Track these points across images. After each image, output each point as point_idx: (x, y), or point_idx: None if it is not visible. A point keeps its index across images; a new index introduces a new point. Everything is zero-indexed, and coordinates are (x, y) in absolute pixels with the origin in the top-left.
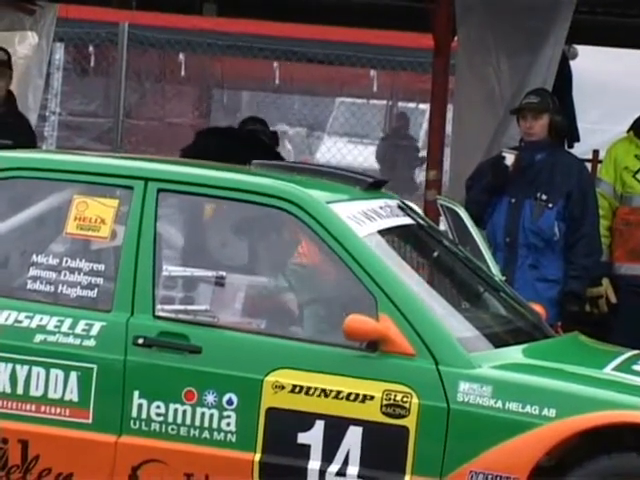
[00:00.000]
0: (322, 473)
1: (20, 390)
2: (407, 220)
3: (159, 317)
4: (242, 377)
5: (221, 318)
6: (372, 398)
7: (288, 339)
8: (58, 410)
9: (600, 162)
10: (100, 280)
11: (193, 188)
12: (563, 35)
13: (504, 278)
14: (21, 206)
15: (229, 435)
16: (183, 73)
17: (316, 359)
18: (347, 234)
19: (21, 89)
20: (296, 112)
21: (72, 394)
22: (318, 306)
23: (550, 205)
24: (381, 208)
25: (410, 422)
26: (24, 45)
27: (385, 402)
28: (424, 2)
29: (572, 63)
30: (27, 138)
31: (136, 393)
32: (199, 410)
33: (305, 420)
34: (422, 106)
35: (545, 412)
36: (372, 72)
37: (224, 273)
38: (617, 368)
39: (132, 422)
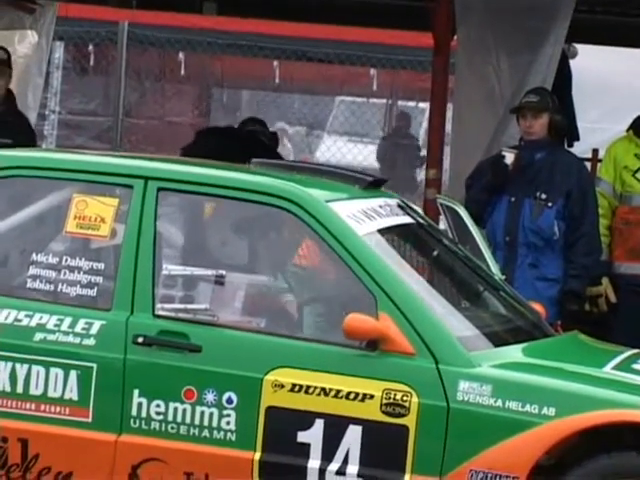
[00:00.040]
0: (322, 472)
1: (20, 389)
2: (407, 219)
3: (159, 316)
4: (242, 376)
5: (221, 317)
6: (372, 397)
7: (288, 338)
8: (58, 409)
9: (600, 161)
10: (100, 279)
11: (193, 187)
12: (563, 34)
13: (504, 277)
14: (21, 205)
15: (229, 434)
16: (183, 72)
17: (316, 358)
18: (347, 233)
19: (21, 88)
20: (296, 111)
21: (72, 393)
22: (318, 305)
23: (550, 204)
24: (381, 207)
25: (410, 421)
26: (24, 44)
27: (385, 401)
28: (424, 1)
29: (572, 62)
30: (27, 137)
31: (136, 392)
32: (199, 409)
33: (305, 419)
34: (422, 105)
35: (545, 411)
36: (372, 71)
37: (224, 272)
38: (617, 367)
39: (132, 421)
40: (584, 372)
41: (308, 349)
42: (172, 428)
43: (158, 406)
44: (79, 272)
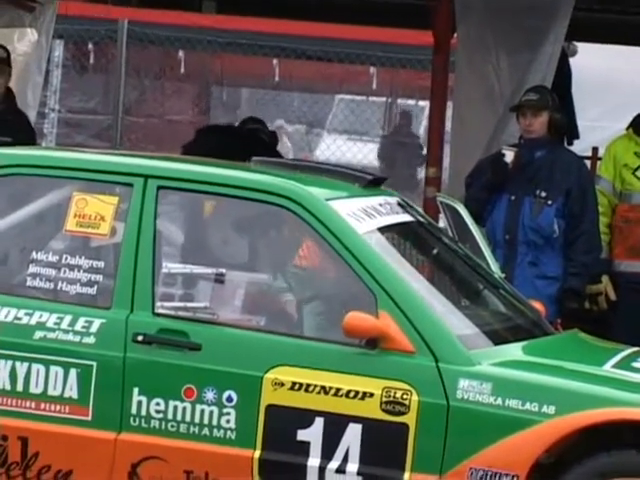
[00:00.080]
0: (322, 470)
1: (20, 387)
2: (407, 217)
3: (159, 314)
4: (242, 374)
5: (221, 315)
6: (372, 395)
7: (288, 336)
8: (58, 407)
9: (599, 159)
10: (100, 277)
11: (193, 185)
12: (562, 32)
13: (503, 275)
14: (21, 203)
15: (229, 432)
16: (183, 70)
17: (316, 356)
18: (347, 231)
19: (20, 86)
20: (295, 109)
21: (72, 391)
22: (318, 303)
23: (549, 202)
24: (381, 205)
25: (410, 419)
26: (23, 42)
27: (385, 399)
28: None
29: (572, 60)
30: (26, 135)
31: (136, 390)
32: (199, 407)
33: (305, 417)
34: (422, 103)
35: (545, 409)
36: (372, 69)
37: (224, 270)
38: (617, 365)
39: (132, 419)
40: (584, 370)
41: (308, 347)
42: (172, 426)
43: (158, 404)
44: (79, 270)
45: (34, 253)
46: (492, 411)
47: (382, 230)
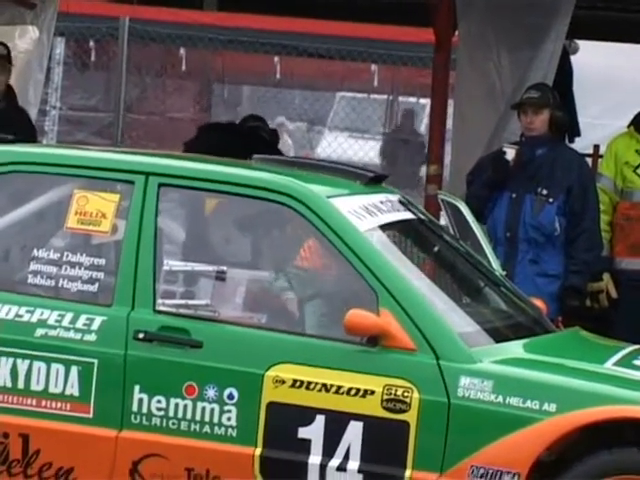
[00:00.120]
0: (323, 468)
1: (21, 384)
2: (408, 215)
3: (160, 311)
4: (243, 372)
5: (222, 313)
6: (373, 393)
7: (289, 334)
8: (59, 404)
9: (601, 157)
10: (101, 274)
11: (194, 183)
12: (564, 30)
13: (504, 273)
14: (22, 201)
15: (230, 430)
16: (184, 68)
17: (317, 354)
18: (348, 229)
19: (22, 83)
20: (297, 107)
21: (73, 389)
22: (319, 301)
23: (551, 200)
24: (382, 203)
25: (411, 417)
26: (25, 39)
27: (386, 397)
28: None
29: (573, 58)
30: (27, 132)
31: (137, 388)
32: (200, 405)
33: (306, 415)
34: (423, 101)
35: (546, 407)
36: (373, 67)
37: (225, 268)
38: (618, 363)
39: (133, 417)
40: (585, 368)
41: (309, 345)
42: (173, 424)
43: (159, 402)
44: (80, 268)
45: (35, 251)
46: (493, 409)
47: (383, 228)
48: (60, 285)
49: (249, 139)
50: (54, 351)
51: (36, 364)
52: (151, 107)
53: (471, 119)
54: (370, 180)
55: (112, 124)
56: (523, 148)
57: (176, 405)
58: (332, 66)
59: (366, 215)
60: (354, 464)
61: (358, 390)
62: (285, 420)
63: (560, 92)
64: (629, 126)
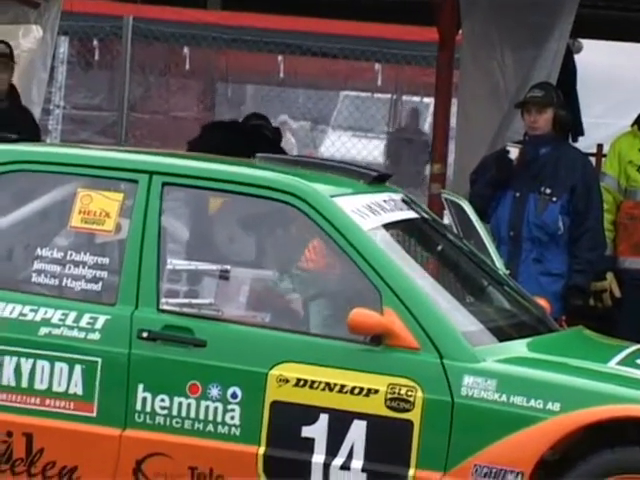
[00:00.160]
0: (326, 467)
1: (25, 383)
2: (411, 214)
3: (163, 310)
4: (246, 370)
5: (225, 312)
6: (376, 392)
7: (292, 333)
8: (62, 403)
9: (604, 156)
10: (104, 273)
11: (197, 182)
12: (567, 29)
13: (508, 272)
14: (25, 200)
15: (233, 428)
16: (187, 67)
17: (320, 353)
18: (351, 228)
19: (25, 82)
20: (300, 106)
21: (76, 387)
22: (322, 300)
23: (554, 199)
24: (385, 202)
25: (414, 416)
26: (28, 38)
27: (389, 396)
28: None
29: (577, 57)
30: (31, 132)
31: (140, 386)
32: (203, 403)
33: (309, 414)
34: (426, 100)
35: (549, 406)
36: (376, 66)
37: (228, 267)
38: (621, 362)
39: (136, 415)
40: (589, 367)
41: (313, 344)
42: (176, 423)
43: (162, 401)
44: (84, 267)
45: (39, 249)
46: (497, 408)
47: (387, 227)
48: (64, 284)
49: (252, 137)
50: (58, 350)
51: (40, 363)
52: (155, 106)
53: (475, 118)
54: (374, 179)
55: (116, 123)
56: (527, 147)
57: (180, 404)
58: (336, 65)
59: (370, 214)
60: (358, 463)
61: (362, 389)
62: (289, 419)
63: (564, 91)
64: (633, 125)
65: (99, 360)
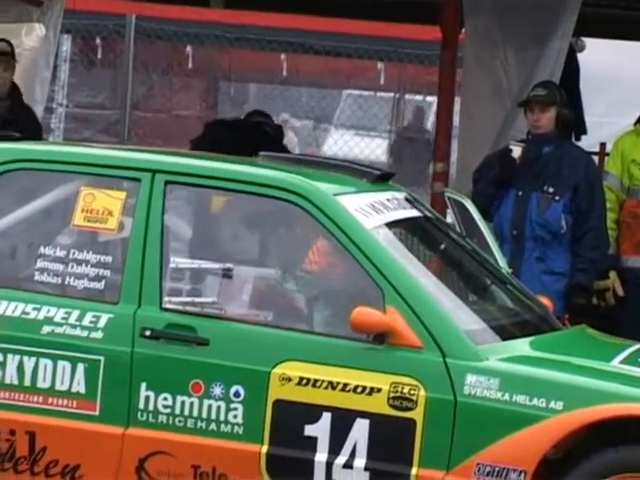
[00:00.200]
0: (329, 465)
1: (27, 382)
2: (414, 212)
3: (166, 309)
4: (249, 369)
5: (228, 310)
6: (379, 390)
7: (295, 331)
8: (65, 402)
9: (607, 155)
10: (107, 272)
11: (200, 180)
12: (571, 28)
13: (511, 270)
14: (28, 198)
15: (236, 427)
16: (190, 65)
17: (323, 351)
18: (354, 226)
19: (28, 81)
20: (303, 104)
21: (79, 386)
22: (325, 298)
23: (557, 198)
24: (388, 200)
25: (417, 414)
26: (31, 37)
27: (392, 394)
28: None
29: (580, 56)
30: (33, 130)
31: (143, 385)
32: (206, 402)
33: (312, 412)
34: (429, 98)
35: (552, 405)
36: (379, 64)
37: (231, 265)
38: (624, 361)
39: (139, 414)
40: (591, 366)
41: (315, 342)
42: (179, 421)
43: (165, 399)
44: (87, 265)
45: (42, 248)
46: (500, 407)
47: (390, 225)
48: (67, 282)
49: (254, 135)
50: (60, 348)
51: (42, 361)
52: (157, 105)
53: (478, 117)
54: (377, 178)
55: (118, 122)
56: (529, 146)
57: (182, 403)
58: (339, 64)
59: (372, 213)
60: (360, 462)
61: (365, 388)
62: (291, 418)
63: (567, 90)
64: (635, 124)
65: (102, 358)
